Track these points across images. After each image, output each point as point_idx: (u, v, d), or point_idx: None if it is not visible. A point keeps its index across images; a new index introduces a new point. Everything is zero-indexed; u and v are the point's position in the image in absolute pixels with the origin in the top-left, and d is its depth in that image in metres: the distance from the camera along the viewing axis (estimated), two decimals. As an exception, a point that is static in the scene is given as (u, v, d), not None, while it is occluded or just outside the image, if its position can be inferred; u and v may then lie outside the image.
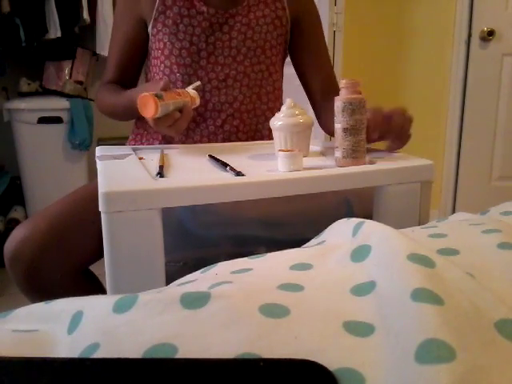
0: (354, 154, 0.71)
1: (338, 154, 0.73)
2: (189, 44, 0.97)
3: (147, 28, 1.00)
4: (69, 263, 0.84)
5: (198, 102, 0.90)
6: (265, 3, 1.01)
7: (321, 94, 1.09)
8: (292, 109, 0.80)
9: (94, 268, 0.91)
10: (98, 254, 0.85)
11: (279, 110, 0.84)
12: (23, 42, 2.12)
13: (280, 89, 1.11)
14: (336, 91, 0.76)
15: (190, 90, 0.89)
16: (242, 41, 1.00)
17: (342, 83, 0.72)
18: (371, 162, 0.74)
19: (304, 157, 0.78)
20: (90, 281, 0.92)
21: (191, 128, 1.01)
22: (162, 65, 1.00)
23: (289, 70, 1.12)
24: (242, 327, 0.31)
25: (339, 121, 0.71)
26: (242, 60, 1.00)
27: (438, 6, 2.42)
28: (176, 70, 0.99)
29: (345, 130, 0.71)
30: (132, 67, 1.07)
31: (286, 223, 0.80)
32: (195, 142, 1.01)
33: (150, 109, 0.76)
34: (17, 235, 0.81)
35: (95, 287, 0.91)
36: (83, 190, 0.91)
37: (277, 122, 0.81)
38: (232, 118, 1.02)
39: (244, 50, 1.00)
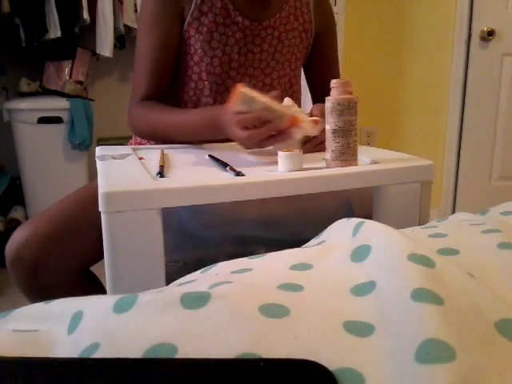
0: (343, 157, 0.70)
1: (328, 155, 0.71)
2: (221, 53, 0.96)
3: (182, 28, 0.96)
4: (70, 264, 0.84)
5: (301, 131, 0.74)
6: (294, 16, 1.01)
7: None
8: (291, 108, 0.80)
9: (94, 268, 0.91)
10: (99, 256, 0.85)
11: None
12: (23, 42, 2.12)
13: (298, 99, 1.12)
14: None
15: (309, 118, 0.76)
16: (272, 54, 1.00)
17: (332, 83, 0.70)
18: (373, 162, 0.73)
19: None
20: (91, 281, 0.92)
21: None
22: (190, 70, 0.98)
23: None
24: (241, 327, 0.31)
25: (328, 122, 0.70)
26: (269, 72, 1.01)
27: (438, 6, 2.41)
28: (205, 78, 0.97)
29: (334, 131, 0.69)
30: (168, 72, 0.98)
31: (285, 223, 0.80)
32: None
33: (232, 96, 0.72)
34: (18, 236, 0.81)
35: (96, 288, 0.91)
36: (84, 191, 0.91)
37: None
38: None
39: (273, 63, 1.01)
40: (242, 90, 0.72)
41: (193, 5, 0.93)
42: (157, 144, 1.02)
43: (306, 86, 1.15)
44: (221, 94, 0.98)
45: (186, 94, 1.00)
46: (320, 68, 1.11)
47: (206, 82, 0.97)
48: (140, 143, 1.07)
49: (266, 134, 0.73)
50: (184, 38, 0.96)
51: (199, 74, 0.98)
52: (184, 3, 0.94)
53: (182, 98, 1.01)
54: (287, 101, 0.82)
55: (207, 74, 0.97)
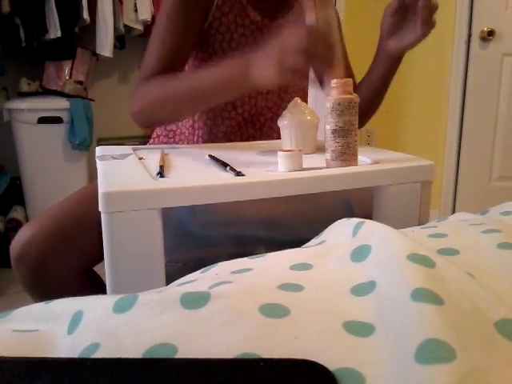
0: (343, 157, 0.70)
1: (328, 155, 0.71)
2: (240, 53, 0.97)
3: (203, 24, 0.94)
4: (75, 263, 0.84)
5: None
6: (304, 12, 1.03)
7: None
8: (299, 107, 0.82)
9: (94, 268, 0.91)
10: (103, 255, 0.85)
11: None
12: (23, 42, 2.12)
13: (307, 93, 1.14)
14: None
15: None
16: None
17: (332, 83, 0.69)
18: (373, 162, 0.74)
19: (310, 153, 0.83)
20: (95, 281, 0.92)
21: (233, 132, 1.02)
22: None
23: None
24: (241, 327, 0.31)
25: (328, 122, 0.70)
26: None
27: (439, 6, 2.41)
28: None
29: (333, 131, 0.69)
30: (181, 61, 0.92)
31: (285, 223, 0.80)
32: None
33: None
34: (23, 235, 0.82)
35: (99, 287, 0.91)
36: (87, 190, 0.91)
37: (284, 119, 0.83)
38: (271, 121, 1.07)
39: None
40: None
41: (214, 5, 0.94)
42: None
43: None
44: None
45: None
46: None
47: None
48: (174, 142, 1.06)
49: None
50: (203, 37, 0.96)
51: None
52: (207, 2, 0.93)
53: None
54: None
55: None
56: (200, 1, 0.92)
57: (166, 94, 0.84)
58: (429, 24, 0.86)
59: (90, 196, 0.87)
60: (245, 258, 0.45)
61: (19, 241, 0.81)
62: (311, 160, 0.78)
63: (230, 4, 0.95)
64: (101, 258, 0.87)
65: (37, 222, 0.84)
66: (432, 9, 0.85)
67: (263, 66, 0.71)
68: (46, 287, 0.82)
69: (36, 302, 0.87)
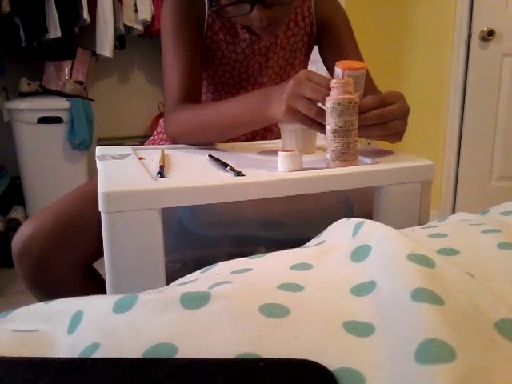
0: (343, 157, 0.70)
1: (328, 155, 0.71)
2: (231, 68, 1.03)
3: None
4: (76, 259, 0.85)
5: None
6: (295, 22, 1.04)
7: None
8: None
9: (95, 266, 0.91)
10: (102, 251, 0.85)
11: None
12: (23, 42, 2.12)
13: None
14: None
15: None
16: (276, 61, 1.05)
17: (332, 83, 0.69)
18: (373, 162, 0.74)
19: (310, 154, 0.82)
20: (96, 277, 0.92)
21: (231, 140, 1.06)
22: (206, 81, 1.05)
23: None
24: (241, 327, 0.31)
25: (328, 122, 0.70)
26: (274, 78, 1.08)
27: (438, 5, 2.42)
28: (220, 88, 1.05)
29: (334, 131, 0.69)
30: (198, 75, 0.98)
31: (286, 223, 0.80)
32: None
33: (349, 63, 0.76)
34: (24, 231, 0.82)
35: (100, 284, 0.91)
36: (87, 186, 0.92)
37: None
38: (263, 131, 1.11)
39: (277, 69, 1.07)
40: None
41: (205, 24, 0.98)
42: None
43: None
44: None
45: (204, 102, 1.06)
46: (336, 58, 1.07)
47: (222, 92, 1.06)
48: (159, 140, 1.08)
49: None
50: None
51: (214, 85, 1.05)
52: (199, 21, 0.97)
53: None
54: None
55: (222, 86, 1.05)
56: (193, 21, 0.96)
57: (197, 126, 0.90)
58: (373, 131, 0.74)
59: (90, 193, 0.87)
60: (245, 258, 0.45)
61: (21, 236, 0.82)
62: (311, 160, 0.78)
63: (219, 23, 0.98)
64: (102, 254, 0.87)
65: (38, 218, 0.84)
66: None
67: (276, 101, 0.75)
68: (47, 282, 0.82)
69: (36, 297, 0.87)
